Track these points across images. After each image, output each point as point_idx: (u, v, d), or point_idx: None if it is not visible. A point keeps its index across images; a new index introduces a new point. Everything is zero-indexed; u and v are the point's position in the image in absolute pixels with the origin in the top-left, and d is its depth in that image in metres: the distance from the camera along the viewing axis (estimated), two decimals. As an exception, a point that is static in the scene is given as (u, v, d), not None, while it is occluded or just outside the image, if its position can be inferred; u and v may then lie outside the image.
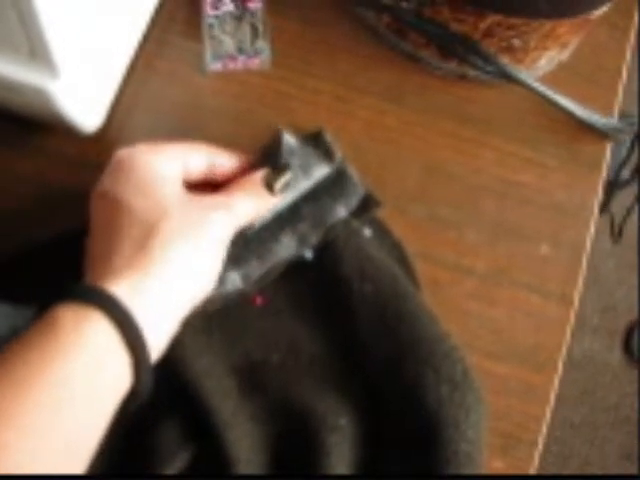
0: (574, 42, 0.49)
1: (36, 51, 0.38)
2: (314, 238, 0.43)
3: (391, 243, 0.46)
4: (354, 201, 0.45)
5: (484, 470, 0.42)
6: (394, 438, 0.41)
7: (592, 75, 0.52)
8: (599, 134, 0.50)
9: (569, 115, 0.49)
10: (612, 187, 0.74)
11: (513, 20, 0.43)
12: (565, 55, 0.50)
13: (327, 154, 0.44)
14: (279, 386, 0.42)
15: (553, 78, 0.51)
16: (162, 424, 0.40)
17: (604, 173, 0.50)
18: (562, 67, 0.52)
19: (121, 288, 0.35)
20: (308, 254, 0.43)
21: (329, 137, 0.45)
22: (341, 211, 0.44)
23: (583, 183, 0.50)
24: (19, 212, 0.46)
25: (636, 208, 0.93)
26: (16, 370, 0.32)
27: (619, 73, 0.52)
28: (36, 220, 0.46)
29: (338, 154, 0.45)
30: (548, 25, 0.43)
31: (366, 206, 0.45)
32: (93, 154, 0.48)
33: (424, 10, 0.45)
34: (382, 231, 0.46)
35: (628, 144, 0.60)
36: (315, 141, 0.45)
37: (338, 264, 0.43)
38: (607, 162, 0.50)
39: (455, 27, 0.45)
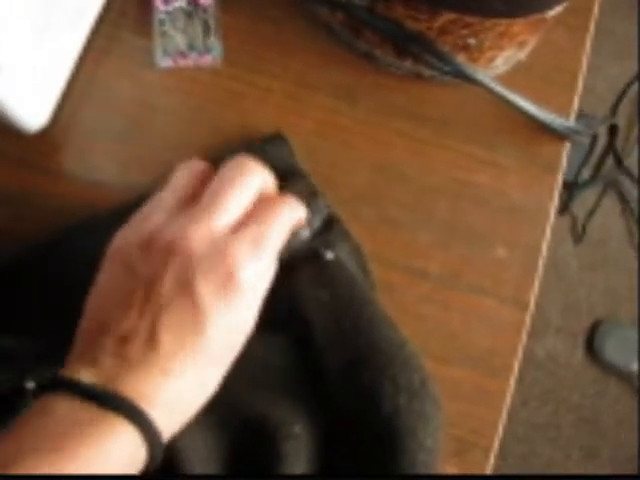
0: (531, 42, 0.49)
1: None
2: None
3: (350, 246, 0.45)
4: (317, 221, 0.44)
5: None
6: (350, 447, 0.40)
7: (549, 76, 0.52)
8: (556, 135, 0.49)
9: (526, 116, 0.48)
10: (572, 188, 0.74)
11: (467, 18, 0.42)
12: (522, 55, 0.50)
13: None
14: (231, 394, 0.41)
15: (510, 78, 0.50)
16: None
17: (561, 175, 0.50)
18: (519, 67, 0.51)
19: (144, 395, 0.33)
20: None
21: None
22: (305, 233, 0.43)
23: (540, 185, 0.49)
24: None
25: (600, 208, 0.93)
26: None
27: (576, 74, 0.52)
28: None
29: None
30: (503, 24, 0.43)
31: (328, 225, 0.44)
32: (37, 155, 0.46)
33: (377, 7, 0.44)
34: (342, 234, 0.45)
35: (587, 145, 0.59)
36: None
37: (294, 272, 0.42)
38: (564, 164, 0.50)
39: (410, 25, 0.44)
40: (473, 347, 0.46)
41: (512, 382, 0.46)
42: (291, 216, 0.39)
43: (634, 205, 1.14)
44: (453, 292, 0.46)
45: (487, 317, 0.46)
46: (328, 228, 0.44)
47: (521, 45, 0.47)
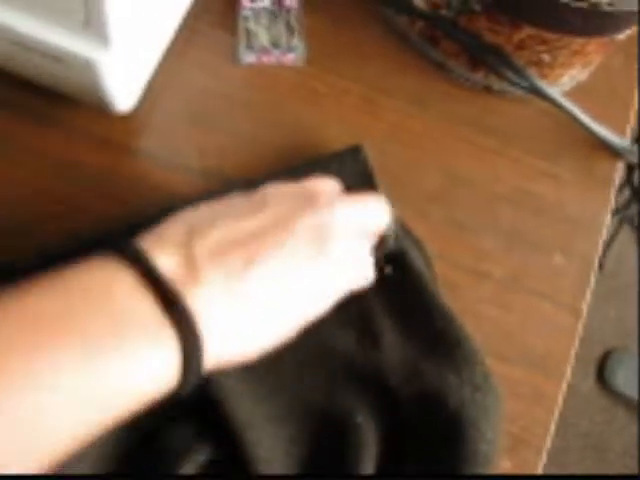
0: (594, 63, 0.51)
1: (91, 20, 0.38)
2: None
3: (413, 240, 0.47)
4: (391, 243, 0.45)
5: (494, 469, 0.43)
6: (414, 436, 0.41)
7: (606, 98, 0.55)
8: (613, 153, 0.52)
9: (587, 132, 0.51)
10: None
11: (547, 34, 0.44)
12: (584, 75, 0.52)
13: None
14: (295, 388, 0.42)
15: (571, 96, 0.53)
16: (178, 423, 0.39)
17: (614, 190, 0.52)
18: (580, 87, 0.54)
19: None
20: None
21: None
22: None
23: (595, 198, 0.51)
24: (39, 188, 0.46)
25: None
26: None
27: (631, 99, 0.55)
28: (54, 196, 0.46)
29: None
30: (578, 43, 0.45)
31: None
32: (120, 135, 0.48)
33: (460, 19, 0.46)
34: (403, 230, 0.47)
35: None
36: None
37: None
38: (617, 180, 0.53)
39: (489, 38, 0.46)
40: (530, 348, 0.47)
41: (564, 385, 0.48)
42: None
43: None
44: (513, 295, 0.48)
45: (544, 320, 0.48)
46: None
47: (587, 64, 0.50)
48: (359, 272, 0.40)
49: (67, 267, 0.30)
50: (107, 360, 0.28)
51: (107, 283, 0.29)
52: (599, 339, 1.20)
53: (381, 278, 0.44)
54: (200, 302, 0.30)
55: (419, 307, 0.43)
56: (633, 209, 1.01)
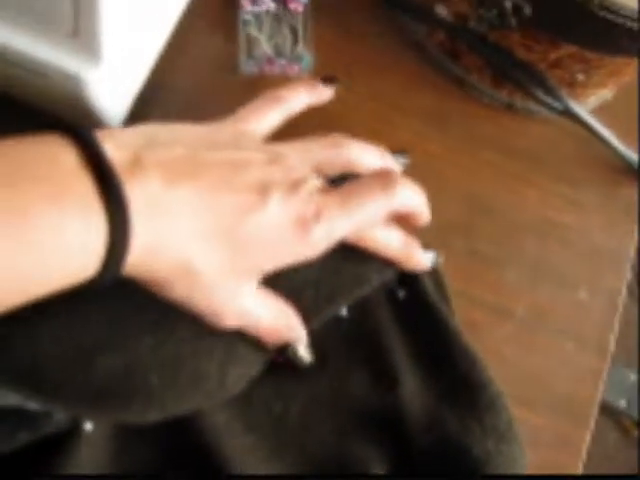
0: (621, 84, 0.48)
1: (80, 30, 0.32)
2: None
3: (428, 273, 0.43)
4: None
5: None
6: None
7: (627, 117, 0.51)
8: (637, 176, 0.49)
9: (610, 153, 0.47)
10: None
11: (588, 54, 0.40)
12: (609, 95, 0.49)
13: None
14: (303, 443, 0.38)
15: (594, 115, 0.49)
16: None
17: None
18: (601, 105, 0.50)
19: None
20: (343, 311, 0.40)
21: None
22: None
23: (620, 226, 0.48)
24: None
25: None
26: None
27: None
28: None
29: None
30: (619, 62, 0.41)
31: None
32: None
33: (491, 33, 0.42)
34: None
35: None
36: None
37: (375, 310, 0.40)
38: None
39: (521, 54, 0.42)
40: (554, 392, 0.44)
41: (591, 428, 0.45)
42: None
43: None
44: (536, 334, 0.45)
45: (568, 361, 0.45)
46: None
47: (618, 84, 0.46)
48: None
49: (15, 138, 0.29)
50: (33, 228, 0.27)
51: (50, 157, 0.29)
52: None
53: (395, 307, 0.40)
54: (135, 193, 0.29)
55: (440, 346, 0.40)
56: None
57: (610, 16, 0.37)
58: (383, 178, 0.36)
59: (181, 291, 0.32)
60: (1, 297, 0.28)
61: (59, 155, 0.28)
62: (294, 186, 0.33)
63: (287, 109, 0.38)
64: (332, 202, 0.34)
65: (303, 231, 0.33)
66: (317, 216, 0.33)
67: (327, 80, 0.41)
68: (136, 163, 0.30)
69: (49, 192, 0.27)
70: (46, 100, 0.37)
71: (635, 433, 1.22)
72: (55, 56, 0.33)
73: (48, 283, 0.29)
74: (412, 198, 0.37)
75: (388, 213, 0.36)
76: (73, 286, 0.29)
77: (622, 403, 1.21)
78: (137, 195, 0.29)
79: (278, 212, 0.32)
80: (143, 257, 0.30)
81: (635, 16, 0.36)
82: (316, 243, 0.33)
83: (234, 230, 0.32)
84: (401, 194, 0.36)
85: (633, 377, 1.23)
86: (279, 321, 0.35)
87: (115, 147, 0.30)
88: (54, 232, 0.27)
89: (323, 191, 0.35)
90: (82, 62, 0.34)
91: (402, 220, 0.39)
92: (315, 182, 0.35)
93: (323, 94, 0.41)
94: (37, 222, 0.27)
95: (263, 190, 0.32)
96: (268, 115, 0.37)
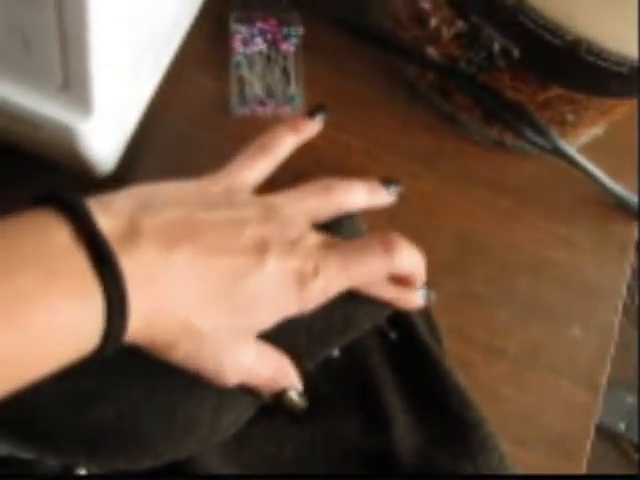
0: (613, 121, 0.48)
1: (70, 83, 0.33)
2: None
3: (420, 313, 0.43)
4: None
5: None
6: None
7: (617, 153, 0.51)
8: (630, 214, 0.49)
9: (601, 191, 0.47)
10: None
11: (577, 95, 0.41)
12: (600, 132, 0.49)
13: None
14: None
15: (584, 152, 0.50)
16: None
17: (633, 254, 0.49)
18: (591, 142, 0.50)
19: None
20: (335, 352, 0.40)
21: None
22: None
23: (613, 264, 0.48)
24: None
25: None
26: None
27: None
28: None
29: None
30: (609, 103, 0.42)
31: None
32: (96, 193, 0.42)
33: (480, 74, 0.42)
34: None
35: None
36: None
37: (366, 351, 0.40)
38: (635, 243, 0.49)
39: (510, 95, 0.42)
40: (548, 430, 0.44)
41: (585, 463, 0.45)
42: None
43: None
44: (529, 373, 0.45)
45: (561, 399, 0.45)
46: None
47: (609, 123, 0.47)
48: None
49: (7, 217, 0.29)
50: (30, 312, 0.27)
51: (43, 238, 0.28)
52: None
53: (387, 348, 0.40)
54: (132, 265, 0.29)
55: (432, 386, 0.40)
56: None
57: (598, 61, 0.37)
58: (385, 241, 0.36)
59: (182, 354, 0.32)
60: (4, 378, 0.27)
61: (52, 234, 0.28)
62: (291, 243, 0.33)
63: (276, 157, 0.38)
64: (331, 259, 0.34)
65: (300, 286, 0.33)
66: (315, 272, 0.33)
67: (316, 110, 0.41)
68: (132, 232, 0.30)
69: (43, 274, 0.27)
70: (42, 149, 0.38)
71: (635, 456, 1.21)
72: (47, 109, 0.33)
73: (48, 364, 0.28)
74: (411, 263, 0.37)
75: (386, 274, 0.37)
76: (75, 362, 0.29)
77: (621, 427, 1.21)
78: (134, 266, 0.29)
79: (276, 270, 0.32)
80: (143, 325, 0.30)
81: (623, 61, 0.37)
82: (312, 299, 0.34)
83: (234, 291, 0.32)
84: (401, 258, 0.36)
85: (632, 400, 1.23)
86: (277, 372, 0.35)
87: (109, 217, 0.30)
88: (49, 314, 0.27)
89: (321, 245, 0.35)
90: (73, 114, 0.34)
91: (398, 280, 0.38)
92: (312, 237, 0.35)
93: (310, 130, 0.41)
94: (32, 305, 0.27)
95: (261, 249, 0.32)
96: (258, 167, 0.37)
